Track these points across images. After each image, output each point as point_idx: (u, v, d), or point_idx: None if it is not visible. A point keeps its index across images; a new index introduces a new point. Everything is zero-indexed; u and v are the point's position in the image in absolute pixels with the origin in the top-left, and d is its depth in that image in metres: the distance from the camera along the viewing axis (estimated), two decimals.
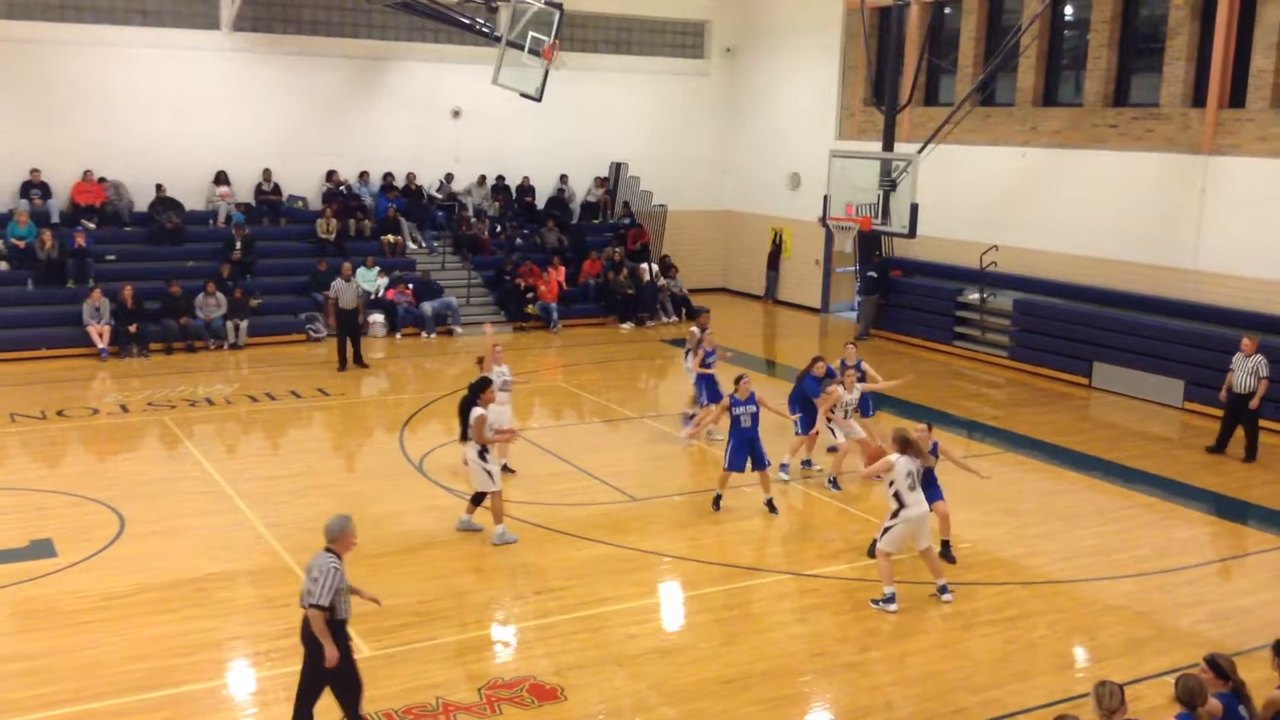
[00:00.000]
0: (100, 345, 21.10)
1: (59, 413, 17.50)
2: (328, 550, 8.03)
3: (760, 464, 13.49)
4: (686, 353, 17.12)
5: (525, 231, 27.37)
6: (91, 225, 23.42)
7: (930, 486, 11.79)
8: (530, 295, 25.28)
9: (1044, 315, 21.82)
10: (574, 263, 26.68)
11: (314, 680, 8.07)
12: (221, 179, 25.03)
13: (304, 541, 11.66)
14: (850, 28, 26.59)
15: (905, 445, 10.99)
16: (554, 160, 28.51)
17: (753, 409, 13.48)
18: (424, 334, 23.96)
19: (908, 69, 23.76)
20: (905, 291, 24.96)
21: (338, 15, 26.03)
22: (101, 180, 23.94)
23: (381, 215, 26.01)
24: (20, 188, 23.35)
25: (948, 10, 24.91)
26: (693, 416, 16.79)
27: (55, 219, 23.34)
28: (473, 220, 26.73)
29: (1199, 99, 20.08)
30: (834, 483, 14.65)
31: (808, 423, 14.99)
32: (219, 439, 16.60)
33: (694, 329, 16.97)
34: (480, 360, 14.73)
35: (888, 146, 22.19)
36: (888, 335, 24.96)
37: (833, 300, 28.30)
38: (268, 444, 16.74)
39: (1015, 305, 22.43)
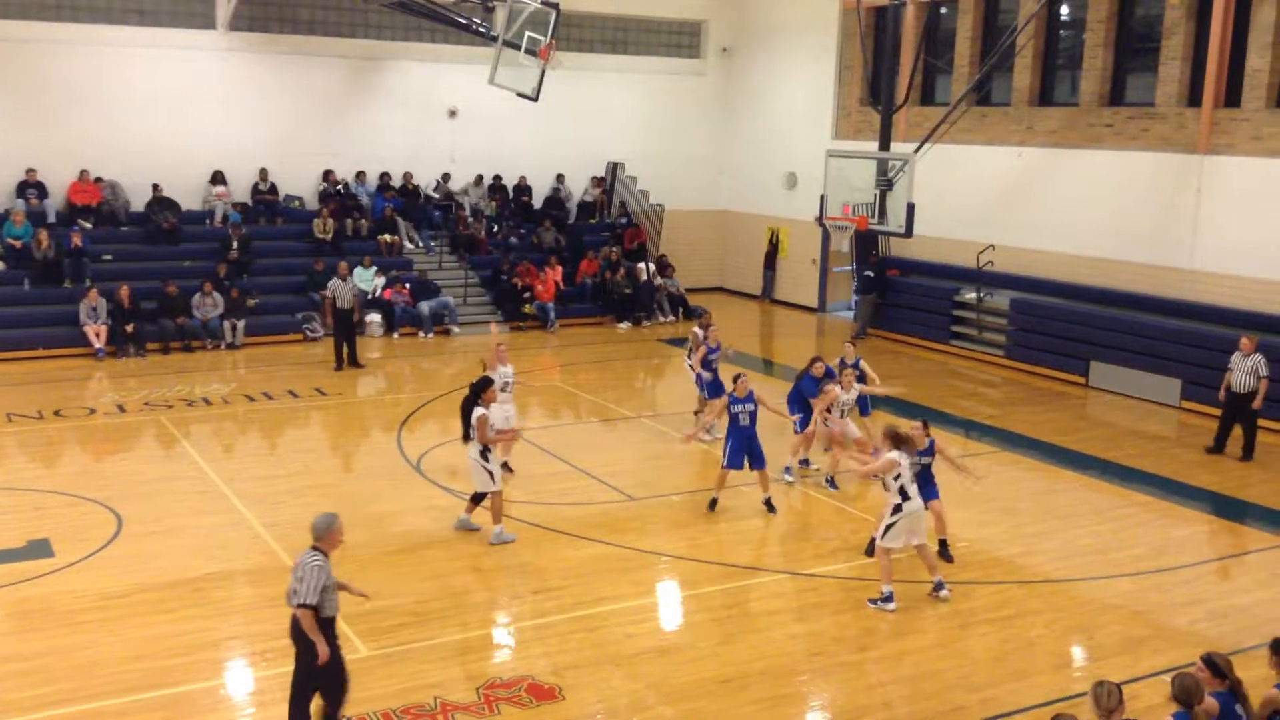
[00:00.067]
0: (97, 345, 21.07)
1: (56, 413, 17.49)
2: (314, 548, 8.03)
3: (759, 463, 13.50)
4: (689, 351, 17.16)
5: (522, 231, 27.38)
6: (88, 225, 23.39)
7: (926, 485, 11.84)
8: (527, 295, 25.27)
9: (1040, 314, 21.84)
10: (571, 262, 26.67)
11: (305, 679, 8.07)
12: (218, 179, 25.01)
13: (301, 541, 11.40)
14: (846, 27, 26.62)
15: (899, 441, 11.03)
16: (551, 160, 28.50)
17: (751, 407, 13.48)
18: (421, 334, 23.95)
19: (904, 69, 23.78)
20: (902, 291, 24.97)
21: (334, 15, 26.01)
22: (98, 180, 23.91)
23: (378, 215, 25.99)
24: (16, 187, 23.32)
25: (944, 10, 24.90)
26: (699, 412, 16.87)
27: (51, 219, 23.34)
28: (469, 220, 26.72)
29: (1195, 99, 20.11)
30: (831, 482, 14.67)
31: (806, 423, 15.00)
32: (216, 439, 16.59)
33: (696, 329, 16.99)
34: (484, 362, 14.58)
35: (884, 146, 22.21)
36: (884, 335, 24.97)
37: (829, 300, 28.29)
38: (265, 444, 16.73)
39: (1012, 304, 22.44)
